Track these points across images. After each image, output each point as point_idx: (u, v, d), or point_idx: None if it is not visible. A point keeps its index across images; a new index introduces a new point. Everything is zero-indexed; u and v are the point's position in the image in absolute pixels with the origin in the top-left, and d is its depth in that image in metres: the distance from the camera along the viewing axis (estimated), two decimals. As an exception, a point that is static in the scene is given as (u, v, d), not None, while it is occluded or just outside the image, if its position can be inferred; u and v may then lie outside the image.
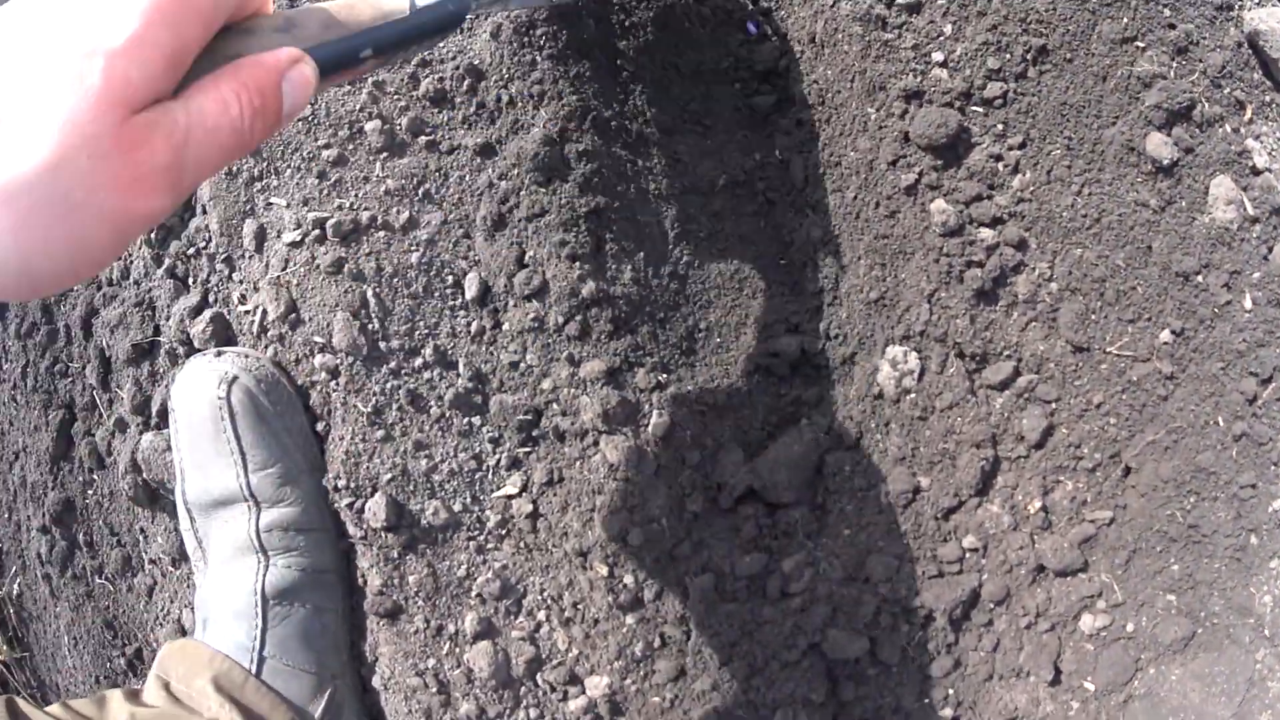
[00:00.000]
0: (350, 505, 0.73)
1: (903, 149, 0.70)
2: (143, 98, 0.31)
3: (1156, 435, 0.67)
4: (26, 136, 0.29)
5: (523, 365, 0.71)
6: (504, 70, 0.74)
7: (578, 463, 0.69)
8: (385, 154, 0.75)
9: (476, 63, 0.76)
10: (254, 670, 0.74)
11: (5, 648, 1.09)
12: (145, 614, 0.92)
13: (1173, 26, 0.67)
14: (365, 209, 0.74)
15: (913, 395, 0.69)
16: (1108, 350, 0.67)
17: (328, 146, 0.77)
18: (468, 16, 0.49)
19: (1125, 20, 0.68)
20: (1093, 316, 0.67)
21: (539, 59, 0.74)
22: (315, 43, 0.39)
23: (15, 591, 1.07)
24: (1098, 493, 0.69)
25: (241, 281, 0.80)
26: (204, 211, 0.85)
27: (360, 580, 0.75)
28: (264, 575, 0.75)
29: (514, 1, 0.59)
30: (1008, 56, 0.69)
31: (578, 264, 0.69)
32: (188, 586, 0.87)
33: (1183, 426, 0.67)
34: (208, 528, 0.79)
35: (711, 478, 0.70)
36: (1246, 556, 0.68)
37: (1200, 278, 0.66)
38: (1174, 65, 0.67)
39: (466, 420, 0.71)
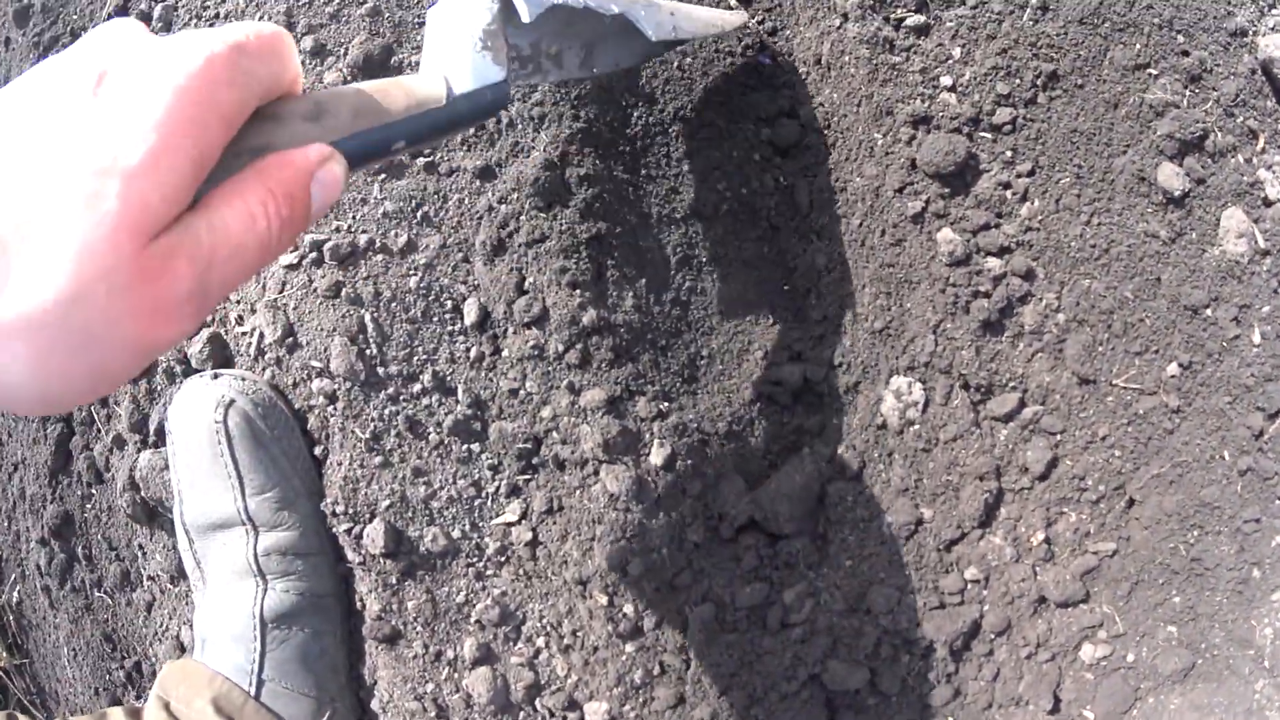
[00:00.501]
0: (349, 531, 0.72)
1: (910, 176, 0.68)
2: (163, 220, 0.28)
3: (1161, 469, 0.66)
4: (39, 265, 0.26)
5: (522, 393, 0.69)
6: (504, 90, 0.72)
7: (578, 491, 0.68)
8: (383, 175, 0.74)
9: (476, 82, 0.74)
10: (253, 693, 0.73)
11: (5, 654, 1.08)
12: (144, 629, 0.91)
13: (1186, 54, 0.65)
14: (363, 231, 0.73)
15: (917, 427, 0.67)
16: (1114, 383, 0.66)
17: (325, 166, 0.75)
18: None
19: (1138, 46, 0.66)
20: (1100, 348, 0.66)
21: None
22: (345, 133, 0.36)
23: (15, 600, 1.07)
24: (1101, 524, 0.68)
25: (239, 301, 0.79)
26: (200, 228, 0.83)
27: (359, 605, 0.74)
28: (262, 599, 0.74)
29: (552, 75, 0.56)
30: (1017, 82, 0.67)
31: (578, 291, 0.68)
32: (186, 604, 0.86)
33: (1188, 460, 0.66)
34: (206, 549, 0.78)
35: (712, 507, 0.68)
36: (1248, 590, 0.67)
37: (1209, 311, 0.65)
38: (1187, 93, 0.65)
39: (466, 447, 0.70)
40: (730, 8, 0.74)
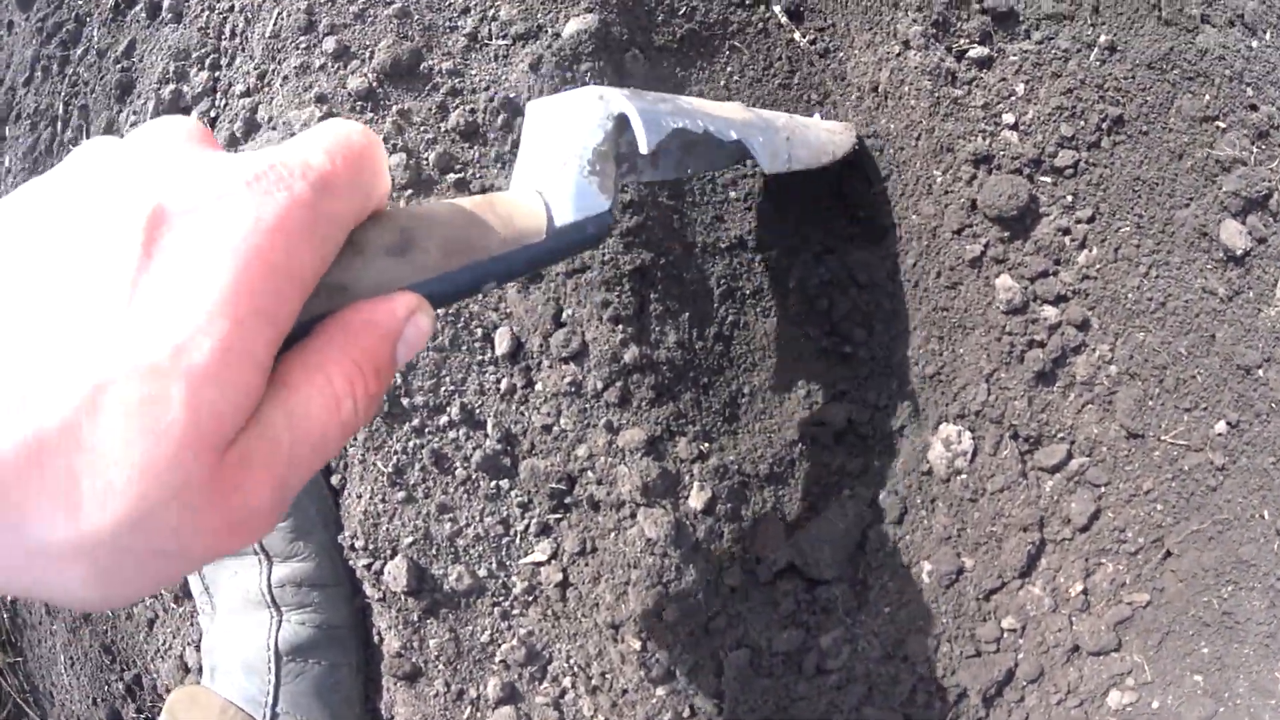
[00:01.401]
0: (368, 566, 0.63)
1: (969, 218, 0.60)
2: (236, 426, 0.22)
3: (1202, 525, 0.60)
4: (94, 480, 0.20)
5: (556, 429, 0.60)
6: (544, 106, 0.62)
7: (612, 534, 0.59)
8: (410, 190, 0.63)
9: (512, 96, 0.63)
10: (265, 725, 0.64)
11: (0, 653, 0.97)
12: (145, 645, 0.80)
13: (1255, 108, 0.58)
14: (389, 250, 0.62)
15: (964, 476, 0.60)
16: (1161, 438, 0.60)
17: (348, 178, 0.64)
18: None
19: (1207, 98, 0.58)
20: (1150, 403, 0.59)
21: (583, 96, 0.62)
22: (433, 273, 0.28)
23: (9, 598, 0.95)
24: (1137, 575, 0.62)
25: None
26: (209, 235, 0.71)
27: (377, 638, 0.65)
28: (277, 631, 0.65)
29: (646, 175, 0.47)
30: (1082, 124, 0.60)
31: (621, 326, 0.59)
32: (191, 625, 0.76)
33: (1228, 518, 0.60)
34: (216, 576, 0.68)
35: (751, 551, 0.61)
36: (1276, 643, 0.62)
37: (1261, 371, 0.58)
38: (1254, 150, 0.58)
39: (494, 484, 0.61)
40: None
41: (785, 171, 0.50)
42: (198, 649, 0.74)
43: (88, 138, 0.88)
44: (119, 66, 0.85)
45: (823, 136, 0.57)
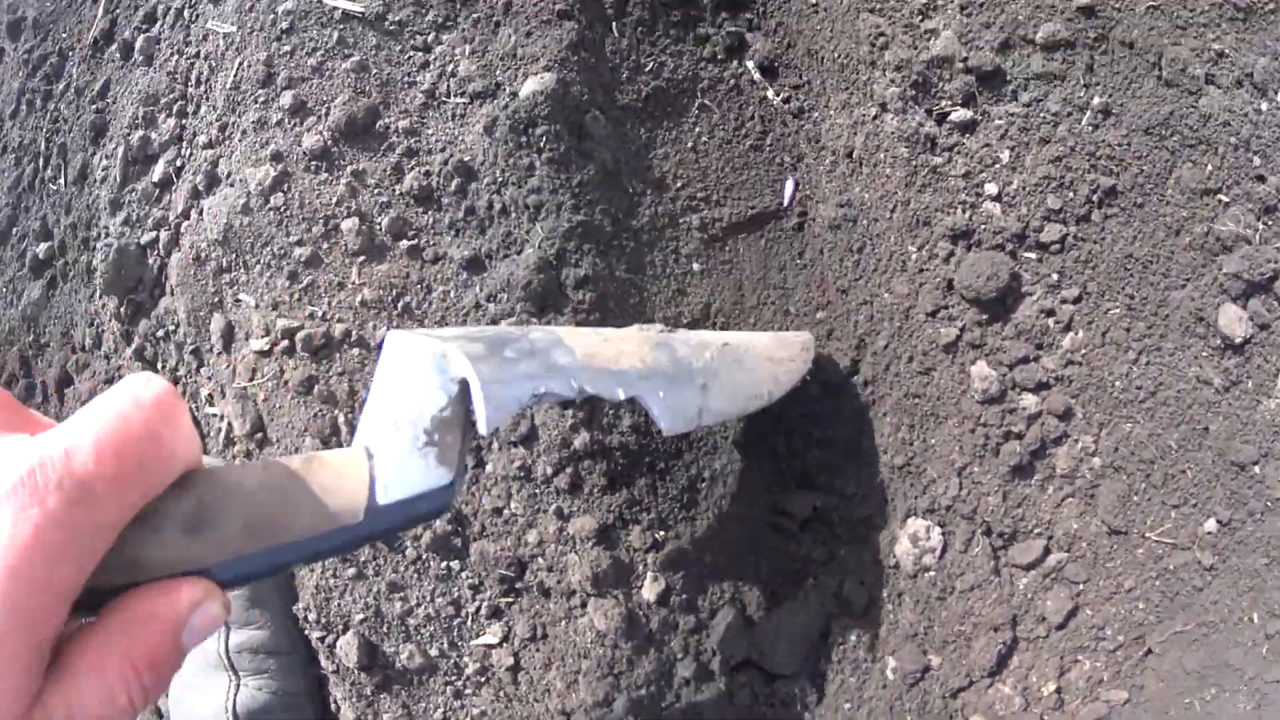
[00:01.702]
0: (321, 639, 0.61)
1: (945, 298, 0.55)
2: (17, 716, 0.24)
3: (1186, 625, 0.56)
4: None
5: (506, 513, 0.57)
6: (498, 172, 0.58)
7: (563, 622, 0.57)
8: (363, 257, 0.60)
9: (467, 160, 0.60)
10: (225, 786, 0.63)
11: None
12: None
13: (1262, 179, 0.52)
14: (339, 320, 0.60)
15: (932, 573, 0.56)
16: (1146, 535, 0.55)
17: (300, 244, 0.61)
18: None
19: (1209, 167, 0.52)
20: (1135, 498, 0.55)
21: (537, 163, 0.58)
22: (230, 554, 0.26)
23: None
24: (1116, 672, 0.57)
25: (210, 378, 0.66)
26: (171, 293, 0.69)
27: (334, 707, 0.64)
28: (235, 695, 0.64)
29: (549, 401, 0.40)
30: (1071, 195, 0.54)
31: (571, 411, 0.55)
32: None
33: (1215, 620, 0.55)
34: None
35: (706, 644, 0.57)
36: (1263, 749, 0.57)
37: (1257, 468, 0.53)
38: (1259, 226, 0.52)
39: (445, 564, 0.58)
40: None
41: (693, 427, 0.41)
42: (167, 696, 0.74)
43: (65, 179, 0.86)
44: (94, 107, 0.83)
45: (760, 371, 0.46)
